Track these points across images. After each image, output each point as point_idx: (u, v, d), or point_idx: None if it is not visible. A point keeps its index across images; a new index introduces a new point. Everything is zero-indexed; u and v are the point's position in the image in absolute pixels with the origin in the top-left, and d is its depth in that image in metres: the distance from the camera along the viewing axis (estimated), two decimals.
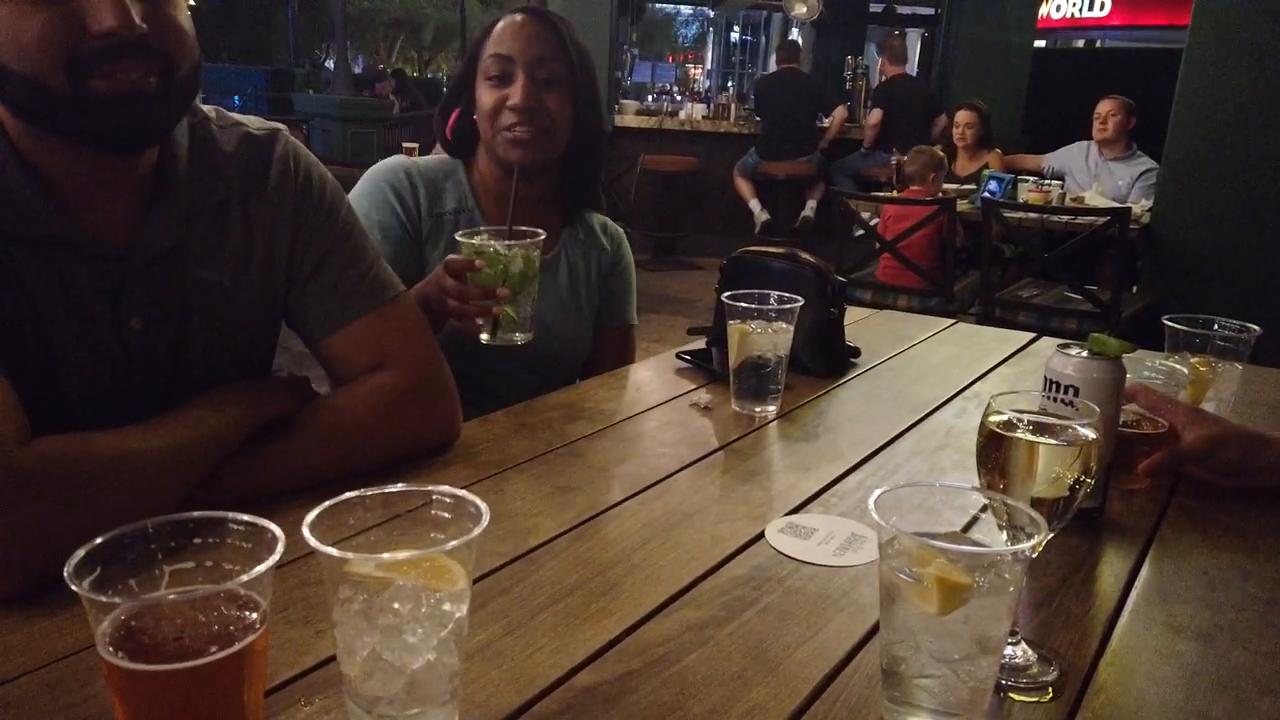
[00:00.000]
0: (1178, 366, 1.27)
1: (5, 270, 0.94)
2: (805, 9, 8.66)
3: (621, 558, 0.95)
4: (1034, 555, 0.66)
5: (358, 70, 19.78)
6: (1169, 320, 1.38)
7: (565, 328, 1.70)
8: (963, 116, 5.65)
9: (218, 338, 1.10)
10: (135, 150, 0.99)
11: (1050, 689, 0.76)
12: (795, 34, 11.53)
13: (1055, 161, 5.32)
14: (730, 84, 15.95)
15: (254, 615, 0.58)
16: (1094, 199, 4.51)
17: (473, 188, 1.68)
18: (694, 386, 1.52)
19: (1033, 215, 4.27)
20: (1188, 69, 4.05)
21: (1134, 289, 4.41)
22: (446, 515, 0.67)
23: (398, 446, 1.14)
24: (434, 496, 0.68)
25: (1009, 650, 0.77)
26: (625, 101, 8.18)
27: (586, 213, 1.78)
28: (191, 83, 0.98)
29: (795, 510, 1.09)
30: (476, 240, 1.36)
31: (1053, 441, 0.81)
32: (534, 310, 1.41)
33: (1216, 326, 1.35)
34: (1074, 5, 14.63)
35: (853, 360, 1.69)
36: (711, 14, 17.60)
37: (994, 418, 0.83)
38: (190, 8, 1.01)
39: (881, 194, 5.09)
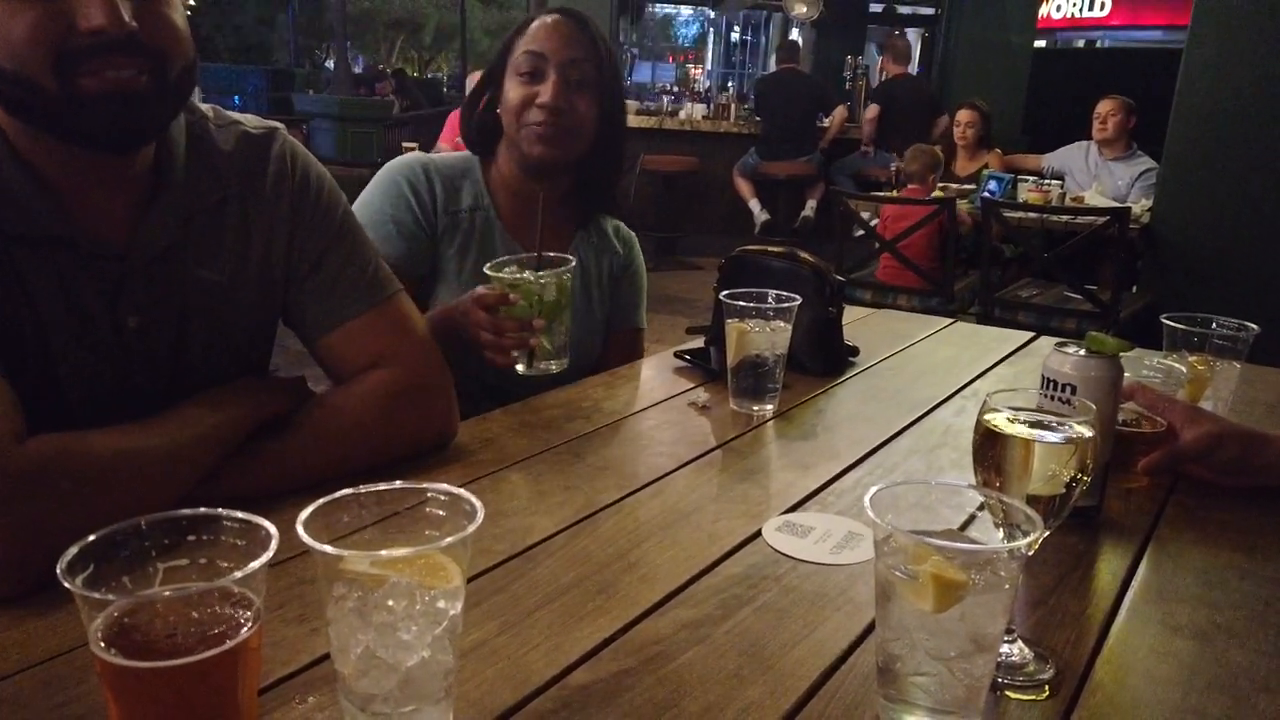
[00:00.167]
0: (1176, 365, 1.27)
1: (4, 270, 0.94)
2: (805, 9, 8.66)
3: (618, 556, 0.95)
4: (1030, 553, 0.66)
5: (358, 70, 19.76)
6: (1167, 319, 1.38)
7: (576, 329, 1.70)
8: (964, 116, 5.65)
9: (216, 337, 1.10)
10: (128, 149, 0.99)
11: (1046, 687, 0.76)
12: (795, 34, 11.51)
13: (1055, 161, 5.31)
14: (730, 84, 15.93)
15: (248, 613, 0.58)
16: (1094, 199, 4.50)
17: (489, 186, 1.68)
18: (692, 385, 1.52)
19: (1032, 215, 4.27)
20: (1188, 69, 4.04)
21: (1134, 289, 4.41)
22: (441, 513, 0.67)
23: (395, 445, 1.14)
24: (429, 494, 0.67)
25: (1005, 648, 0.77)
26: (626, 101, 8.16)
27: (600, 215, 1.78)
28: (186, 81, 0.98)
29: (792, 509, 1.09)
30: (507, 273, 1.36)
31: (1049, 439, 0.81)
32: (568, 336, 1.41)
33: (1215, 325, 1.35)
34: (1074, 5, 14.64)
35: (851, 359, 1.69)
36: (711, 14, 17.60)
37: (990, 415, 0.83)
38: (189, 7, 1.01)
39: (881, 194, 5.08)
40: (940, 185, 4.76)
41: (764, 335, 1.36)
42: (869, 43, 11.11)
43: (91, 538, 0.59)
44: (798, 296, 1.37)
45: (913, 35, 10.96)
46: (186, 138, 1.07)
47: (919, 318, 2.17)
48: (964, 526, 0.76)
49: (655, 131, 7.59)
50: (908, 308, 4.14)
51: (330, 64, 19.63)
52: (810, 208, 7.54)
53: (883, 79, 7.68)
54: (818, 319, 1.58)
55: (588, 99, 1.59)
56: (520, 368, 1.39)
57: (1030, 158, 5.76)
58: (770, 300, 1.36)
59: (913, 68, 7.75)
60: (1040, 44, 10.06)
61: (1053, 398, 0.94)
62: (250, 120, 1.15)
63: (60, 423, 0.88)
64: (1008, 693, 0.75)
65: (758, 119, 7.72)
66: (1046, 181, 4.79)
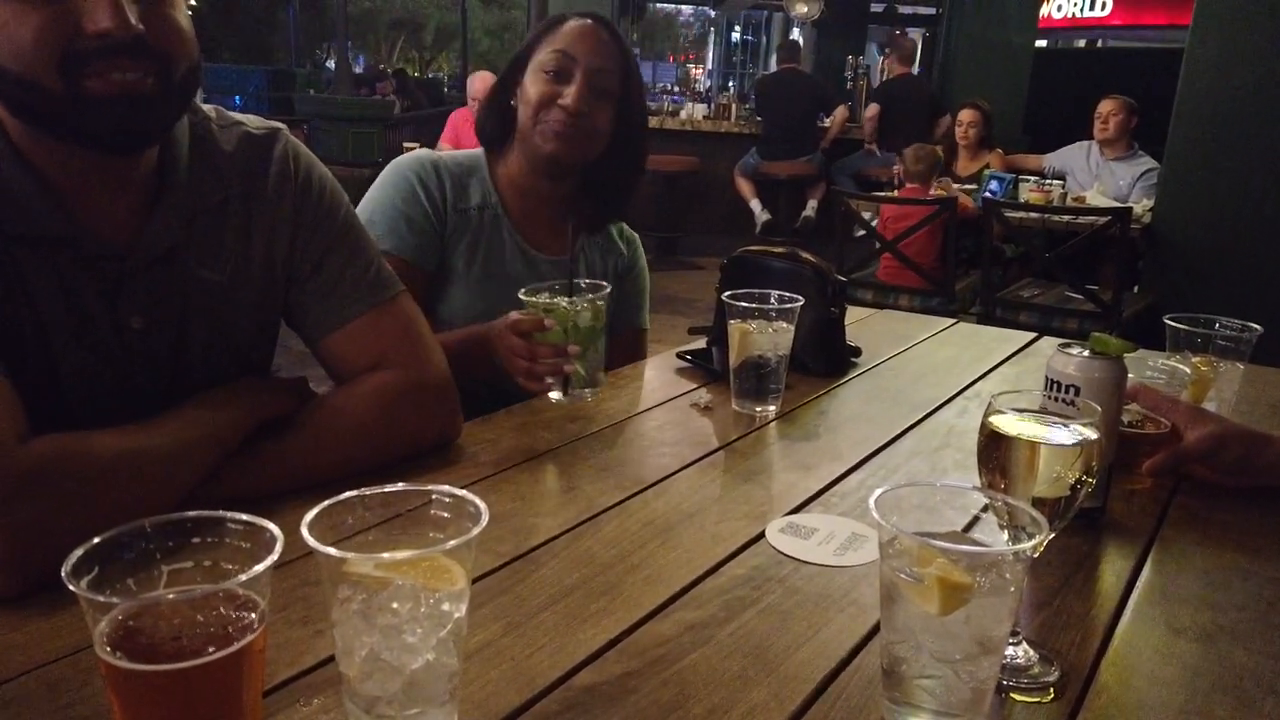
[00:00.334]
0: (1179, 366, 1.27)
1: (5, 270, 0.94)
2: (806, 9, 8.66)
3: (622, 557, 0.95)
4: (1035, 555, 0.66)
5: (359, 70, 19.78)
6: (1170, 320, 1.38)
7: None
8: (966, 115, 5.65)
9: (218, 337, 1.10)
10: (134, 151, 0.99)
11: (1052, 689, 0.75)
12: (796, 34, 11.53)
13: (1056, 161, 5.31)
14: (731, 84, 15.94)
15: (252, 615, 0.58)
16: (1095, 199, 4.50)
17: (496, 184, 1.67)
18: (694, 386, 1.52)
19: (1034, 215, 4.27)
20: (1189, 68, 4.04)
21: (1135, 289, 4.40)
22: (446, 515, 0.67)
23: (397, 446, 1.14)
24: (433, 496, 0.67)
25: (1010, 650, 0.77)
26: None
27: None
28: (190, 83, 0.98)
29: (796, 510, 1.08)
30: (541, 299, 1.36)
31: (1054, 441, 0.81)
32: (601, 362, 1.41)
33: (1218, 326, 1.35)
34: (1075, 5, 14.63)
35: (853, 360, 1.69)
36: (712, 14, 17.61)
37: (995, 417, 0.83)
38: (191, 8, 1.00)
39: (882, 194, 5.08)
40: (940, 185, 4.76)
41: (766, 336, 1.35)
42: (870, 43, 11.11)
43: (96, 540, 0.59)
44: (800, 297, 1.37)
45: (913, 35, 10.97)
46: (189, 138, 1.07)
47: (921, 318, 2.17)
48: (968, 528, 0.76)
49: (656, 131, 7.58)
50: (909, 308, 4.14)
51: (331, 64, 19.62)
52: (811, 208, 7.54)
53: (885, 79, 7.68)
54: (820, 319, 1.57)
55: (608, 108, 1.60)
56: (555, 395, 1.39)
57: (1031, 158, 5.76)
58: (772, 301, 1.36)
59: (914, 68, 7.76)
60: (1041, 44, 10.06)
61: (1057, 399, 0.93)
62: (252, 121, 1.15)
63: (61, 423, 0.87)
64: (1013, 695, 0.75)
65: (759, 119, 7.72)
66: (1048, 181, 4.79)
